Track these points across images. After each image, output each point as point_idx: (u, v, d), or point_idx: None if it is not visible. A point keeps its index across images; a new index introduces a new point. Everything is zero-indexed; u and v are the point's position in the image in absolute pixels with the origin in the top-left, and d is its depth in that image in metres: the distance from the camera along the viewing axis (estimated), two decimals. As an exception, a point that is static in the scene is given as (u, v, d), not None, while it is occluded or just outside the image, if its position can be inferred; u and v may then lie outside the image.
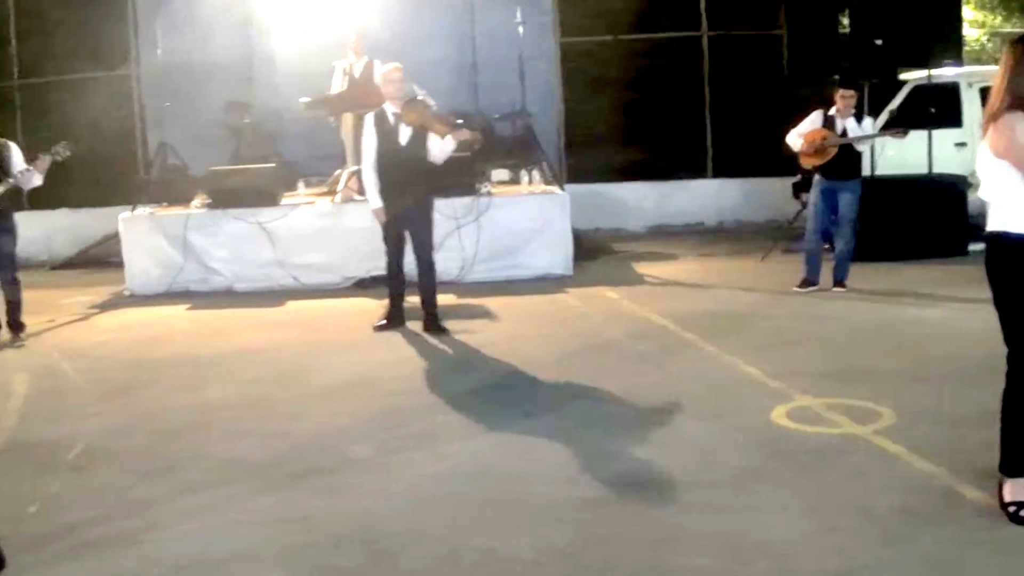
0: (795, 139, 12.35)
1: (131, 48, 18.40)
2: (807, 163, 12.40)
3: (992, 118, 5.35)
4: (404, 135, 10.76)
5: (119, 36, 18.45)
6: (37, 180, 11.30)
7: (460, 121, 12.55)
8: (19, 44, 18.77)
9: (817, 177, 12.39)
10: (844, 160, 12.22)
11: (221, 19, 17.17)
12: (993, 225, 5.47)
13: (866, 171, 13.25)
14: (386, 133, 10.81)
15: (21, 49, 18.78)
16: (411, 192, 10.71)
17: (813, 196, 12.48)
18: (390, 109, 10.86)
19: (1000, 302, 5.51)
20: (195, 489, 6.61)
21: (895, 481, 6.16)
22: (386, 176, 10.81)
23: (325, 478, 6.75)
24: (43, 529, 5.84)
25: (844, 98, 12.18)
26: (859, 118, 12.41)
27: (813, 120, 12.35)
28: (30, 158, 11.22)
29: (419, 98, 10.82)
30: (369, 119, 11.01)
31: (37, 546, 5.55)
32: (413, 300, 11.25)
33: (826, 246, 12.70)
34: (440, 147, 10.80)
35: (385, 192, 10.84)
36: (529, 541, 5.55)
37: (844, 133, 12.16)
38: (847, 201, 12.32)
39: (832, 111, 12.27)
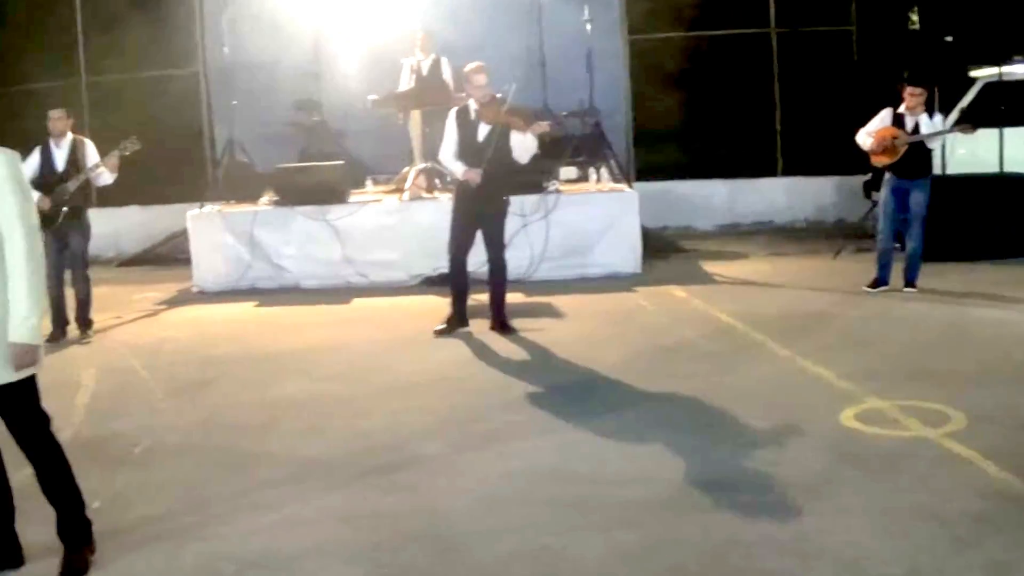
0: (864, 138, 12.22)
1: (198, 46, 18.54)
2: (877, 161, 12.26)
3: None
4: (483, 132, 10.73)
5: (186, 34, 18.63)
6: (107, 178, 11.41)
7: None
8: (86, 42, 18.94)
9: (887, 175, 12.26)
10: (914, 158, 12.07)
11: (287, 17, 17.27)
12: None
13: (937, 170, 13.09)
14: (466, 128, 10.79)
15: (88, 47, 18.95)
16: (488, 190, 10.66)
17: (883, 195, 12.34)
18: (473, 106, 10.84)
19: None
20: (262, 486, 6.64)
21: (965, 486, 6.08)
22: None
23: (393, 476, 6.76)
24: (108, 524, 5.86)
25: (913, 95, 12.01)
26: (930, 115, 12.24)
27: (883, 118, 12.21)
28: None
29: (499, 96, 10.78)
30: (452, 113, 10.99)
31: (101, 541, 5.58)
32: (478, 298, 11.25)
33: (897, 245, 12.55)
34: (522, 145, 10.69)
35: (462, 188, 10.82)
36: (596, 542, 5.53)
37: (915, 130, 12.01)
38: (917, 200, 12.17)
39: (901, 108, 12.13)
